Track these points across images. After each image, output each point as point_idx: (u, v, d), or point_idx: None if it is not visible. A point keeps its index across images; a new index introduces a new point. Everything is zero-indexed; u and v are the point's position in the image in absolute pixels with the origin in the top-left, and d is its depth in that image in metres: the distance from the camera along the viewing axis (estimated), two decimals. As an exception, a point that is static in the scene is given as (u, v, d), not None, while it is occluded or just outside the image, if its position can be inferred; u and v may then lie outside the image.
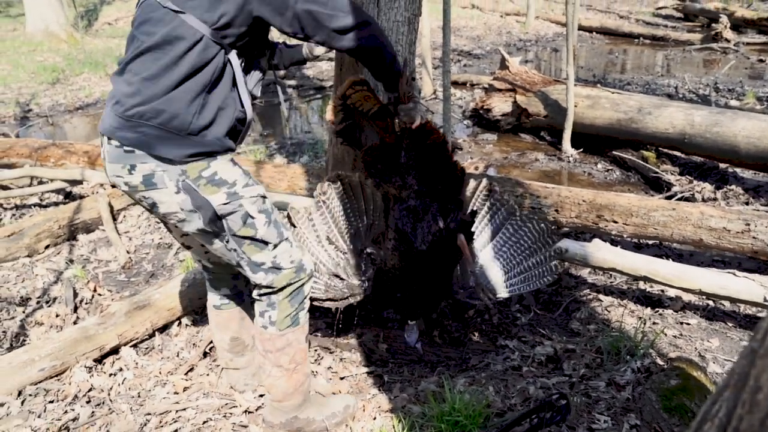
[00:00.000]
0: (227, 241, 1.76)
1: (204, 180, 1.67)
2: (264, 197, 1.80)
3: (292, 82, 8.56)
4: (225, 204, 1.69)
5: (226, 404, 2.29)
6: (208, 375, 2.50)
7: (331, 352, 2.59)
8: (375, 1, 2.09)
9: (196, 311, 2.94)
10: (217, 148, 1.70)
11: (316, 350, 2.61)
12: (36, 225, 3.90)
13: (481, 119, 6.16)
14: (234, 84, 1.70)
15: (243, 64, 1.72)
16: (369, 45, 1.68)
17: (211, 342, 2.61)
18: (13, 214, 4.68)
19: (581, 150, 5.19)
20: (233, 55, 1.66)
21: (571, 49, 5.00)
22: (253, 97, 1.80)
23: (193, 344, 2.72)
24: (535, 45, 11.28)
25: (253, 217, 1.74)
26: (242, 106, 1.73)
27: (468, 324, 2.80)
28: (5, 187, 5.10)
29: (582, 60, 9.68)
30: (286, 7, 1.58)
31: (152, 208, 1.73)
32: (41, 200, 4.82)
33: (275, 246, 1.80)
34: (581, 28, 11.30)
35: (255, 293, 1.90)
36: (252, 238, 1.76)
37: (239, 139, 1.83)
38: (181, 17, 1.58)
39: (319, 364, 2.51)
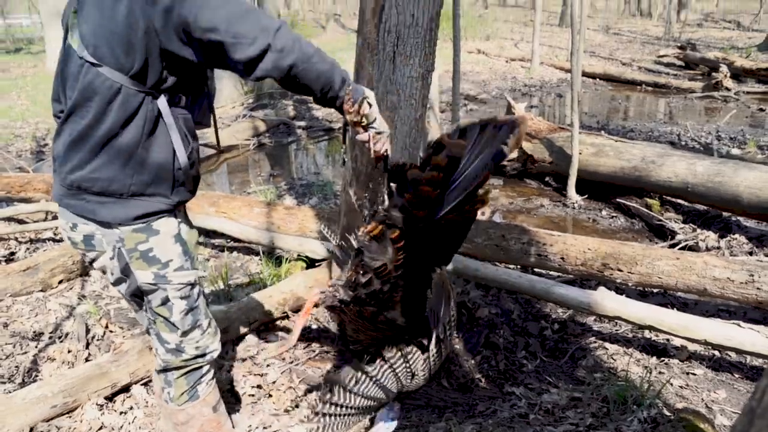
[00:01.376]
0: (145, 309, 1.79)
1: (138, 253, 1.64)
2: (193, 285, 1.75)
3: (302, 123, 8.75)
4: (150, 283, 1.68)
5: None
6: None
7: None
8: (391, 58, 2.21)
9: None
10: (162, 206, 1.63)
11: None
12: (51, 260, 3.97)
13: (487, 164, 6.27)
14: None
15: (187, 101, 1.62)
16: (290, 74, 1.45)
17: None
18: (27, 248, 4.77)
19: (586, 196, 5.28)
20: (162, 101, 1.53)
21: (575, 97, 5.14)
22: (202, 124, 1.72)
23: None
24: (539, 90, 11.52)
25: (172, 303, 1.72)
26: (181, 153, 1.60)
27: (475, 369, 2.83)
28: (21, 221, 5.21)
29: (586, 106, 9.89)
30: (191, 39, 1.42)
31: (90, 263, 1.77)
32: (55, 235, 4.90)
33: (185, 333, 1.78)
34: (585, 74, 11.56)
35: (155, 364, 1.90)
36: (166, 319, 1.75)
37: (192, 186, 1.73)
38: (97, 70, 1.46)
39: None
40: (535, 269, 3.62)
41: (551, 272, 3.58)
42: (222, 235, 4.40)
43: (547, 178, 5.90)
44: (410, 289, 1.72)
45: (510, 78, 12.53)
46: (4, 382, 2.89)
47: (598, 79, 12.31)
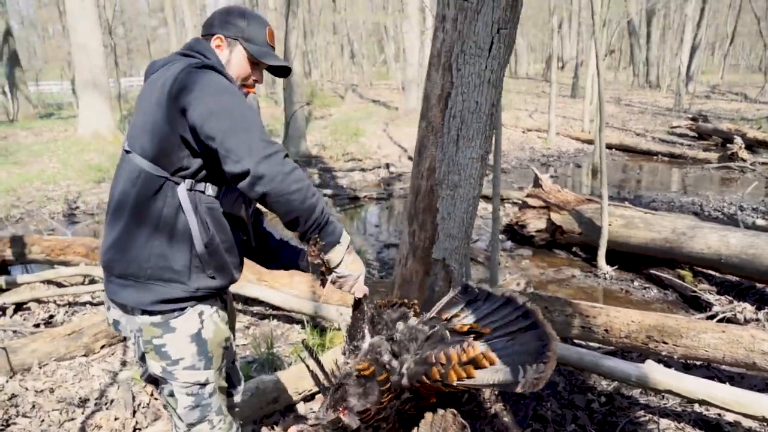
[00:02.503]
0: (159, 392, 1.83)
1: (152, 346, 1.68)
2: (203, 384, 1.74)
3: (328, 191, 8.96)
4: (159, 375, 1.73)
5: None
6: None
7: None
8: (455, 140, 2.35)
9: (255, 421, 2.98)
10: (180, 293, 1.63)
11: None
12: (94, 325, 4.03)
13: (515, 234, 6.38)
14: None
15: (219, 191, 1.65)
16: (263, 200, 1.47)
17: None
18: (66, 311, 4.84)
19: (616, 267, 5.33)
20: (182, 187, 1.57)
21: (604, 169, 5.29)
22: (238, 218, 1.73)
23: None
24: (557, 160, 11.78)
25: (176, 398, 1.75)
26: (198, 240, 1.60)
27: (526, 444, 2.81)
28: (60, 284, 5.31)
29: (605, 176, 10.06)
30: (198, 140, 1.51)
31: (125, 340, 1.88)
32: (92, 298, 4.99)
33: (190, 425, 1.78)
34: (602, 145, 11.83)
35: None
36: (174, 409, 1.78)
37: (218, 273, 1.70)
38: (128, 156, 1.59)
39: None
40: (576, 341, 3.63)
41: (591, 344, 3.59)
42: (262, 303, 4.46)
43: (574, 248, 5.97)
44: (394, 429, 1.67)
45: (528, 148, 12.84)
46: (57, 450, 2.90)
47: (614, 150, 12.57)
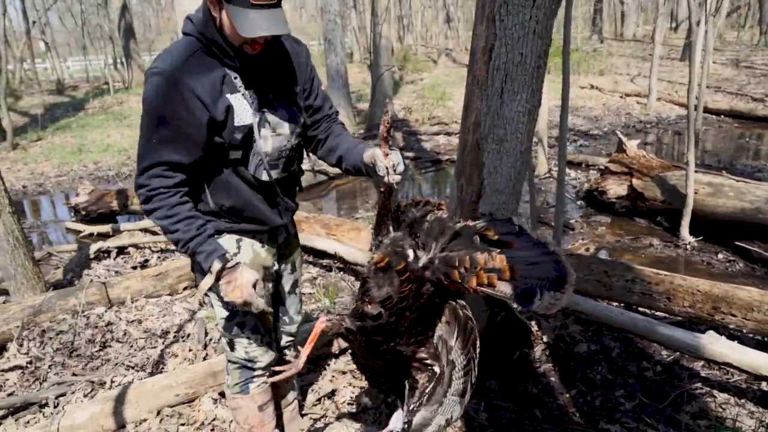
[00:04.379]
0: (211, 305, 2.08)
1: (198, 263, 1.88)
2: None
3: (410, 154, 9.02)
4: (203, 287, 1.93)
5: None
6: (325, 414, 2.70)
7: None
8: (499, 93, 2.33)
9: (308, 360, 3.18)
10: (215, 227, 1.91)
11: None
12: (178, 268, 4.44)
13: (594, 201, 6.13)
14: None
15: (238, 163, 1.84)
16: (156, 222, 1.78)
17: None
18: (159, 257, 5.34)
19: (700, 238, 5.00)
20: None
21: (692, 134, 4.94)
22: (259, 181, 1.88)
23: (312, 389, 2.96)
24: (656, 127, 11.03)
25: (215, 308, 2.02)
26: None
27: (569, 403, 2.80)
28: (154, 233, 5.84)
29: (708, 144, 9.32)
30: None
31: None
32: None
33: (230, 338, 2.04)
34: (708, 110, 10.89)
35: None
36: (219, 318, 2.04)
37: (232, 221, 1.93)
38: None
39: None
40: (639, 308, 3.50)
41: (656, 312, 3.45)
42: (330, 256, 4.67)
43: (658, 218, 5.65)
44: (417, 320, 1.70)
45: (624, 114, 12.11)
46: (138, 370, 3.29)
47: (723, 116, 11.55)
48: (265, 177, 1.86)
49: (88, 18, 27.01)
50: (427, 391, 1.72)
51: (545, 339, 3.33)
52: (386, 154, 1.65)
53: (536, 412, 2.74)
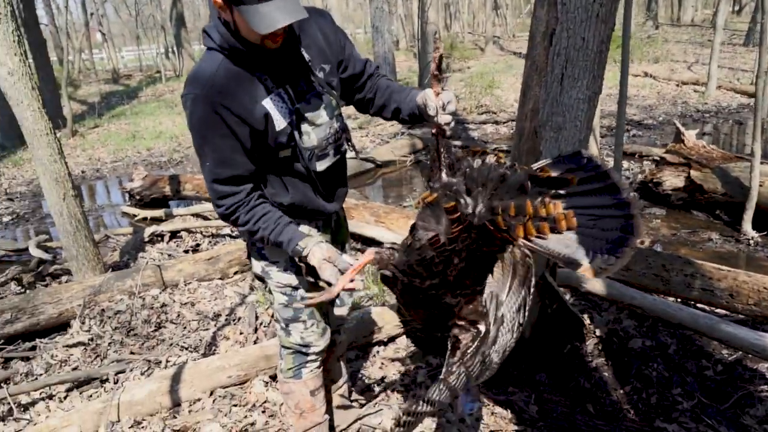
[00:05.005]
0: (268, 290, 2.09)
1: (256, 248, 2.00)
2: (295, 287, 2.00)
3: (458, 143, 8.92)
4: (259, 273, 2.04)
5: None
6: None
7: (484, 405, 2.68)
8: (559, 80, 2.26)
9: (358, 347, 3.21)
10: None
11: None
12: (229, 252, 4.53)
13: (648, 192, 5.92)
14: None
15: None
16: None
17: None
18: (210, 241, 5.47)
19: (765, 233, 4.77)
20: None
21: (758, 122, 4.70)
22: (314, 172, 1.87)
23: (360, 376, 2.98)
24: (714, 117, 10.54)
25: (273, 294, 2.07)
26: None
27: (623, 399, 2.73)
28: (205, 218, 5.98)
29: (757, 130, 8.85)
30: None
31: None
32: (231, 231, 5.56)
33: (285, 320, 2.07)
34: (773, 99, 10.33)
35: None
36: (272, 303, 2.10)
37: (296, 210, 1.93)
38: None
39: (470, 414, 2.61)
40: (698, 304, 3.37)
41: (716, 309, 3.31)
42: (379, 243, 4.67)
43: (717, 211, 5.41)
44: (466, 270, 1.55)
45: (680, 103, 11.63)
46: (191, 351, 3.38)
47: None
48: (319, 167, 1.87)
49: (141, 8, 27.78)
50: (469, 351, 1.60)
51: (598, 333, 3.25)
52: (437, 94, 1.58)
53: (589, 407, 2.68)
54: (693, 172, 5.40)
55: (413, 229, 1.57)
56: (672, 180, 5.62)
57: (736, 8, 27.79)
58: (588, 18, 2.15)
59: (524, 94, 2.49)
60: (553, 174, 1.39)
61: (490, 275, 1.61)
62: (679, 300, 3.41)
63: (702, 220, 5.36)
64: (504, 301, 1.60)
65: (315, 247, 1.77)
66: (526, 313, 1.60)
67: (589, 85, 2.29)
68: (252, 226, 1.79)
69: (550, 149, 2.46)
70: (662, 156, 6.01)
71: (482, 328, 1.59)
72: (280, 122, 1.73)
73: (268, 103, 1.70)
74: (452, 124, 1.62)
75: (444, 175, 1.56)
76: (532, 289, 1.61)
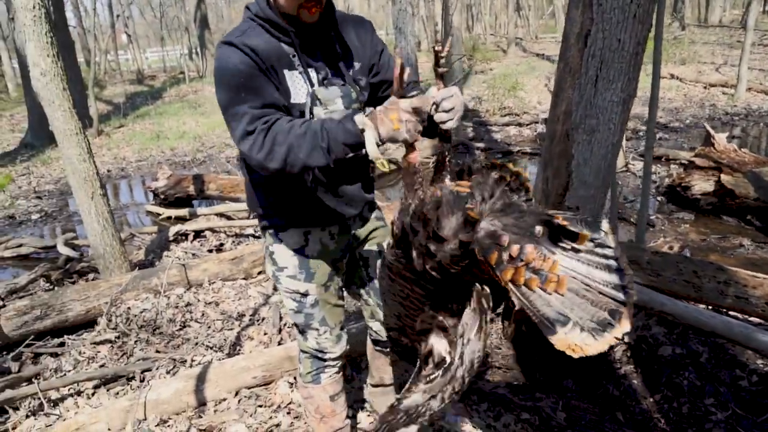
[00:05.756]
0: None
1: (267, 252, 1.99)
2: (303, 294, 1.96)
3: (480, 144, 8.87)
4: (271, 276, 2.03)
5: None
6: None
7: (511, 411, 2.64)
8: (593, 81, 2.22)
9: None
10: (272, 222, 1.91)
11: (497, 407, 2.67)
12: (253, 253, 4.55)
13: (676, 196, 5.81)
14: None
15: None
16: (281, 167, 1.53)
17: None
18: (233, 241, 5.50)
19: (799, 239, 4.65)
20: None
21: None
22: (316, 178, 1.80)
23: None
24: (744, 119, 10.32)
25: (283, 300, 2.05)
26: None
27: (653, 408, 2.67)
28: (229, 218, 6.02)
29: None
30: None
31: None
32: (254, 231, 5.58)
33: (300, 328, 2.05)
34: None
35: None
36: (288, 308, 2.06)
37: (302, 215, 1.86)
38: None
39: (498, 420, 2.57)
40: (731, 312, 3.29)
41: (749, 318, 3.22)
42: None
43: (749, 216, 5.29)
44: (454, 289, 1.43)
45: (708, 105, 11.41)
46: (216, 350, 3.40)
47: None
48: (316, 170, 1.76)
49: (166, 10, 28.15)
50: (431, 378, 1.49)
51: (626, 339, 3.18)
52: (439, 89, 1.45)
53: (618, 415, 2.63)
54: (724, 177, 5.29)
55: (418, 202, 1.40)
56: (701, 184, 5.51)
57: (767, 8, 27.18)
58: (625, 19, 2.11)
59: (556, 95, 2.45)
60: (568, 226, 1.26)
61: (468, 304, 1.45)
62: (710, 307, 3.33)
63: (733, 226, 5.24)
64: (471, 340, 1.45)
65: (390, 105, 1.46)
66: (474, 370, 1.44)
67: (624, 87, 2.24)
68: (293, 138, 1.50)
69: (583, 152, 2.42)
70: (691, 160, 5.90)
71: (448, 359, 1.49)
72: (295, 96, 1.70)
73: (289, 75, 1.69)
74: (451, 124, 1.46)
75: (448, 181, 1.44)
76: (483, 348, 1.45)
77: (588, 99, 2.28)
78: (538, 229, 1.26)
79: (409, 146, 1.47)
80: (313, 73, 1.73)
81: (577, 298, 1.23)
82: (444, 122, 1.45)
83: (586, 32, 2.19)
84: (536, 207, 1.39)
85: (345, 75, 1.78)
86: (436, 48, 1.43)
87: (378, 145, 1.45)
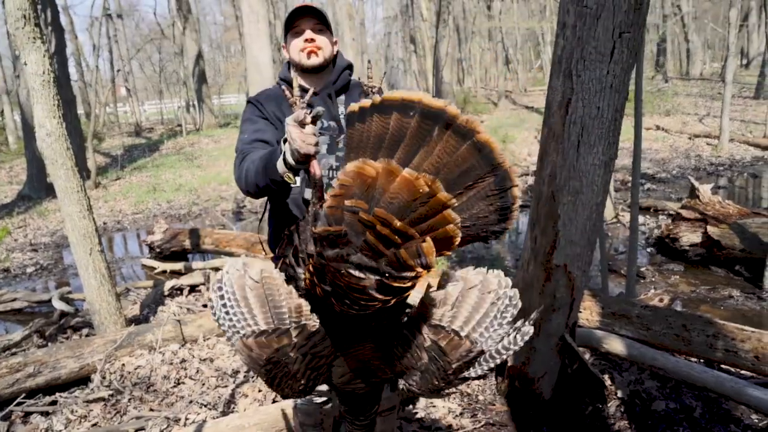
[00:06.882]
0: None
1: None
2: None
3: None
4: None
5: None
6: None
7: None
8: (575, 146, 2.34)
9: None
10: None
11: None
12: (248, 307, 4.56)
13: (665, 248, 5.92)
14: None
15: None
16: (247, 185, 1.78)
17: None
18: (228, 295, 5.51)
19: (787, 290, 4.73)
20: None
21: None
22: (302, 197, 1.93)
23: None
24: (728, 170, 10.58)
25: None
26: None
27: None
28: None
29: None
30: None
31: None
32: (250, 286, 5.60)
33: None
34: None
35: None
36: None
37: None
38: None
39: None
40: (722, 365, 3.32)
41: (741, 371, 3.26)
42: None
43: (737, 267, 5.38)
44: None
45: (693, 156, 11.71)
46: (210, 408, 3.38)
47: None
48: (307, 195, 1.90)
49: (165, 65, 28.87)
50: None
51: (620, 394, 3.20)
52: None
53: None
54: (710, 228, 5.41)
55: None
56: (689, 236, 5.63)
57: (744, 62, 28.17)
58: (602, 89, 2.25)
59: (542, 159, 2.57)
60: None
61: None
62: (701, 361, 3.37)
63: (721, 277, 5.32)
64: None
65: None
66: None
67: (605, 150, 2.36)
68: (249, 165, 1.74)
69: (568, 212, 2.51)
70: (678, 211, 6.04)
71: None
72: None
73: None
74: (314, 150, 1.46)
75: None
76: None
77: (571, 163, 2.39)
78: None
79: (309, 158, 1.48)
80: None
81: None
82: (299, 152, 1.45)
83: (567, 101, 2.33)
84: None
85: (336, 123, 1.98)
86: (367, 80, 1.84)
87: (288, 162, 1.52)
